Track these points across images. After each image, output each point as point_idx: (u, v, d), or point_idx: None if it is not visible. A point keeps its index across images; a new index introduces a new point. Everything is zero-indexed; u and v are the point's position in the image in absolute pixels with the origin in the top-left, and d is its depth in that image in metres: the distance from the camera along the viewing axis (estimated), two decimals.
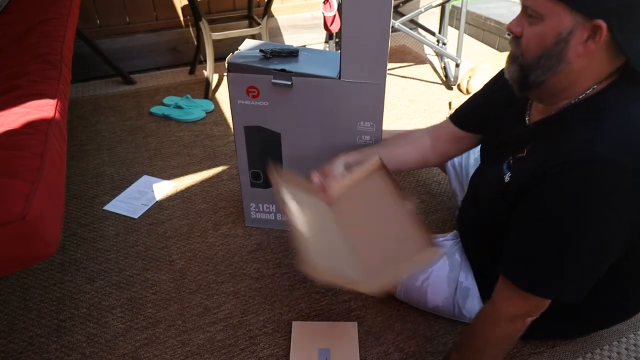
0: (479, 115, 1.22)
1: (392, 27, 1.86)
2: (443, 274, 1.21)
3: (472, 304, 1.18)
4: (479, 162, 1.39)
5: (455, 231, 1.29)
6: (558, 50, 0.86)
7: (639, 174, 0.82)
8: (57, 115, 1.18)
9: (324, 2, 2.21)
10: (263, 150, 1.42)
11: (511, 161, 1.00)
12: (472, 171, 1.43)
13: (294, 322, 1.25)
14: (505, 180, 1.00)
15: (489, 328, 1.01)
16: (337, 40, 2.57)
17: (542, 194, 0.88)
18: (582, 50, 0.84)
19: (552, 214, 0.87)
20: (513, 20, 0.92)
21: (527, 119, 1.04)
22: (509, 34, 0.97)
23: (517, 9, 0.94)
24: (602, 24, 0.80)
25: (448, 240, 1.27)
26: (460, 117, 1.26)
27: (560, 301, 0.93)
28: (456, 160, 1.50)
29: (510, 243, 0.96)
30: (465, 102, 1.28)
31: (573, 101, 0.91)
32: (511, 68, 0.95)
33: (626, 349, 1.21)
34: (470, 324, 1.07)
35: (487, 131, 1.20)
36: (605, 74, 0.88)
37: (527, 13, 0.89)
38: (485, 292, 1.16)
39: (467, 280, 1.18)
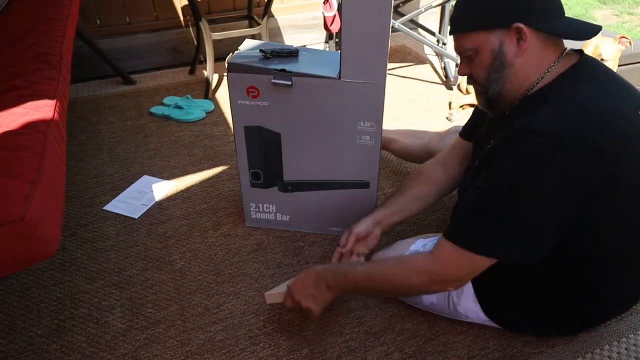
0: (479, 126, 1.26)
1: (392, 27, 1.86)
2: None
3: (467, 301, 1.18)
4: None
5: None
6: (499, 61, 1.01)
7: (594, 146, 0.90)
8: (56, 115, 1.18)
9: (324, 2, 2.21)
10: (263, 150, 1.42)
11: (481, 155, 1.09)
12: None
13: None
14: (475, 164, 1.10)
15: (417, 277, 1.06)
16: (337, 40, 2.57)
17: (495, 158, 0.98)
18: (517, 50, 0.99)
19: (492, 182, 0.98)
20: (460, 66, 1.09)
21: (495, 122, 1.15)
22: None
23: None
24: (520, 25, 0.96)
25: None
26: (466, 131, 1.36)
27: (504, 260, 0.99)
28: None
29: (459, 207, 1.07)
30: (470, 117, 1.38)
31: (527, 92, 1.02)
32: (479, 100, 1.11)
33: (626, 349, 1.21)
34: (396, 262, 1.12)
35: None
36: (549, 61, 1.00)
37: (465, 56, 1.06)
38: (480, 289, 1.16)
39: None
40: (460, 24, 1.04)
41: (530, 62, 1.00)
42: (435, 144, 1.59)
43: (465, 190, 1.11)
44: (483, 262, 1.00)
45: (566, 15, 1.02)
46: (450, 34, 1.07)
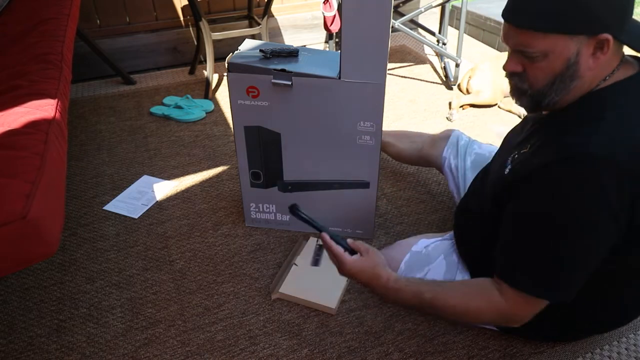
0: None
1: (392, 27, 1.86)
2: (439, 273, 1.21)
3: None
4: (476, 165, 1.40)
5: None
6: (570, 72, 0.88)
7: (632, 173, 0.83)
8: (58, 115, 1.18)
9: (324, 2, 2.21)
10: (263, 150, 1.42)
11: (515, 156, 1.02)
12: (468, 174, 1.43)
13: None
14: (505, 173, 1.02)
15: (488, 314, 1.01)
16: (337, 40, 2.57)
17: (534, 189, 0.90)
18: (592, 63, 0.87)
19: (543, 210, 0.89)
20: (509, 61, 0.94)
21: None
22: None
23: None
24: (607, 36, 0.83)
25: (446, 240, 1.27)
26: None
27: (554, 302, 0.94)
28: (452, 162, 1.50)
29: (504, 244, 0.98)
30: None
31: (578, 97, 0.92)
32: (522, 101, 0.98)
33: (626, 349, 1.21)
34: (465, 294, 1.02)
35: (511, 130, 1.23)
36: (611, 68, 0.90)
37: (525, 55, 0.90)
38: None
39: (463, 279, 1.18)
40: (537, 19, 0.85)
41: (598, 74, 0.89)
42: (428, 149, 1.58)
43: (492, 191, 1.06)
44: (539, 303, 0.96)
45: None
46: (512, 23, 0.88)
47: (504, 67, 0.96)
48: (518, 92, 0.97)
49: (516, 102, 1.00)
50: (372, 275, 1.05)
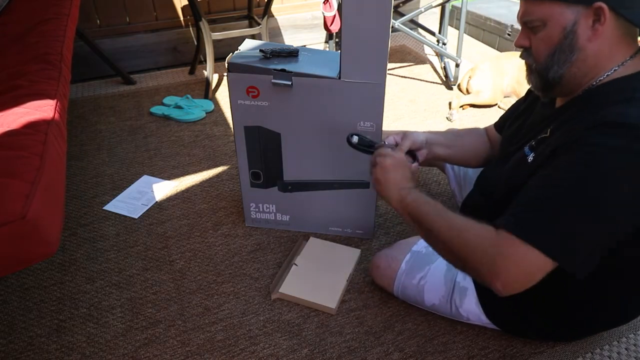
0: (514, 120, 1.22)
1: (392, 27, 1.86)
2: (440, 272, 1.21)
3: (470, 304, 1.18)
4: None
5: None
6: (568, 42, 0.89)
7: None
8: (57, 115, 1.18)
9: (324, 2, 2.21)
10: (263, 150, 1.42)
11: (534, 143, 0.99)
12: (471, 173, 1.43)
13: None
14: (529, 161, 0.98)
15: (477, 247, 0.90)
16: (337, 40, 2.57)
17: (568, 153, 0.85)
18: (591, 34, 0.88)
19: (576, 172, 0.84)
20: (518, 36, 0.97)
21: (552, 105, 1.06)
22: (519, 50, 1.01)
23: (517, 9, 0.97)
24: (602, 4, 0.85)
25: None
26: (499, 122, 1.33)
27: (564, 269, 0.85)
28: None
29: (524, 195, 0.90)
30: (508, 108, 1.32)
31: (595, 82, 0.92)
32: (531, 78, 1.00)
33: (626, 349, 1.21)
34: (470, 227, 0.93)
35: (508, 126, 1.22)
36: (624, 54, 0.90)
37: (529, 27, 0.93)
38: (483, 293, 1.16)
39: (465, 280, 1.18)
40: None
41: (602, 50, 0.89)
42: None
43: (506, 180, 1.03)
44: (544, 267, 0.85)
45: None
46: None
47: (516, 43, 0.99)
48: (529, 71, 1.00)
49: (529, 84, 1.02)
50: (403, 177, 1.08)
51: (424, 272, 1.22)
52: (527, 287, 0.87)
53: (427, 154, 1.24)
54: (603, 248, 0.86)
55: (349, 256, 1.45)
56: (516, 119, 1.20)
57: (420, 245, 1.26)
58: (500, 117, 1.34)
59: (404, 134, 1.22)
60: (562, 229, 0.84)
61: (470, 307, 1.18)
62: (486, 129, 1.39)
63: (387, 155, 1.11)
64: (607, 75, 0.91)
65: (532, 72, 0.99)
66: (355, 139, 1.22)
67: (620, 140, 0.81)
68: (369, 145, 1.21)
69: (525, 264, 0.85)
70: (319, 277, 1.37)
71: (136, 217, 1.63)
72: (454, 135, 1.38)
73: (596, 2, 0.85)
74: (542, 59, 0.94)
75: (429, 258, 1.24)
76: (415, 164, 1.20)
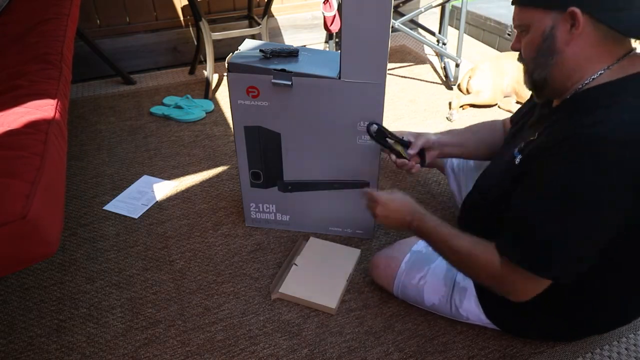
0: (525, 114, 1.22)
1: (392, 27, 1.86)
2: (440, 272, 1.21)
3: (469, 303, 1.18)
4: (479, 163, 1.40)
5: None
6: (547, 45, 0.94)
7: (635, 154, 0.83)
8: (58, 115, 1.18)
9: (324, 2, 2.21)
10: (263, 150, 1.42)
11: (522, 145, 1.03)
12: (471, 172, 1.43)
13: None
14: (516, 162, 1.02)
15: (485, 276, 1.02)
16: (337, 40, 2.57)
17: (547, 163, 0.91)
18: (569, 38, 0.91)
19: (555, 183, 0.90)
20: (514, 40, 1.03)
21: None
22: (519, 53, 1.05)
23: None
24: (575, 9, 0.88)
25: None
26: (514, 115, 1.31)
27: (556, 281, 0.94)
28: (455, 162, 1.51)
29: (511, 217, 0.97)
30: (524, 103, 1.30)
31: (581, 86, 0.94)
32: (525, 79, 1.04)
33: (626, 349, 1.21)
34: (474, 248, 1.03)
35: (514, 124, 1.23)
36: (608, 58, 0.92)
37: (519, 31, 1.00)
38: (483, 293, 1.16)
39: (465, 280, 1.18)
40: None
41: (582, 54, 0.92)
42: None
43: (498, 181, 1.07)
44: (546, 283, 0.95)
45: None
46: (512, 4, 1.00)
47: (511, 47, 1.04)
48: (524, 72, 1.04)
49: (524, 85, 1.06)
50: (409, 212, 1.16)
51: (424, 272, 1.22)
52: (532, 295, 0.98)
53: (438, 155, 1.32)
54: (594, 254, 0.93)
55: (349, 256, 1.45)
56: (522, 117, 1.21)
57: (420, 245, 1.26)
58: (517, 110, 1.32)
59: (418, 134, 1.29)
60: (555, 251, 0.91)
61: (470, 307, 1.18)
62: (504, 122, 1.38)
63: (381, 204, 1.19)
64: (593, 79, 0.93)
65: (524, 72, 1.04)
66: (374, 127, 1.27)
67: (596, 149, 0.85)
68: (385, 137, 1.27)
69: (530, 286, 0.97)
70: (319, 277, 1.37)
71: (136, 217, 1.63)
72: (470, 132, 1.39)
73: (569, 8, 0.88)
74: (528, 60, 1.00)
75: (428, 258, 1.24)
76: (417, 166, 1.28)
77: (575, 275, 0.93)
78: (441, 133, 1.36)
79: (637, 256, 0.99)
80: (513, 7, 1.00)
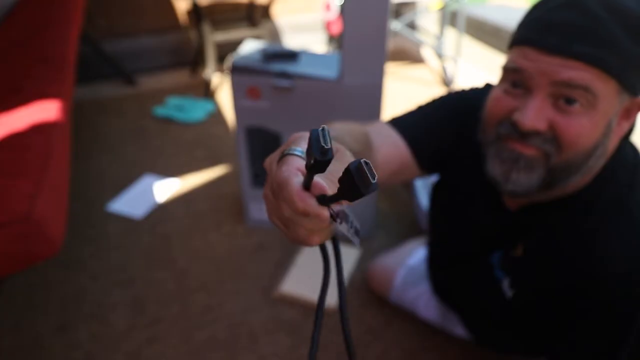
0: (432, 150, 0.88)
1: (391, 28, 1.87)
2: (433, 295, 1.20)
3: (462, 330, 1.17)
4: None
5: None
6: (605, 140, 0.65)
7: None
8: (61, 116, 1.20)
9: (325, 5, 2.22)
10: (264, 151, 1.43)
11: (505, 262, 0.81)
12: None
13: None
14: (508, 294, 0.82)
15: None
16: (337, 42, 2.58)
17: (602, 307, 0.69)
18: (618, 131, 0.67)
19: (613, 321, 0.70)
20: (528, 111, 0.63)
21: (504, 202, 0.80)
22: (522, 132, 0.65)
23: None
24: None
25: None
26: (412, 136, 0.89)
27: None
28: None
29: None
30: (410, 114, 0.95)
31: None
32: (533, 175, 0.67)
33: None
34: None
35: (443, 197, 0.94)
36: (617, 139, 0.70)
37: (561, 94, 0.62)
38: (472, 326, 1.10)
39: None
40: (593, 49, 0.60)
41: (612, 149, 0.69)
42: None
43: (475, 294, 0.88)
44: None
45: None
46: (550, 48, 0.61)
47: (525, 124, 0.63)
48: (529, 164, 0.66)
49: (508, 184, 0.68)
50: None
51: (419, 291, 1.23)
52: None
53: None
54: None
55: (349, 256, 1.46)
56: (444, 186, 0.93)
57: (415, 257, 1.27)
58: (411, 129, 0.90)
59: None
60: None
61: (464, 332, 1.18)
62: (368, 133, 0.80)
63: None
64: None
65: (541, 166, 0.66)
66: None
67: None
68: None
69: None
70: (319, 276, 1.38)
71: (139, 216, 1.65)
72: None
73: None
74: (574, 155, 0.64)
75: (422, 275, 1.24)
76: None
77: None
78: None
79: None
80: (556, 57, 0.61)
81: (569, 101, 0.62)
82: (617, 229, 0.67)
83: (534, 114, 0.62)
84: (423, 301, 1.22)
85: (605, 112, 0.62)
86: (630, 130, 0.71)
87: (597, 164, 0.67)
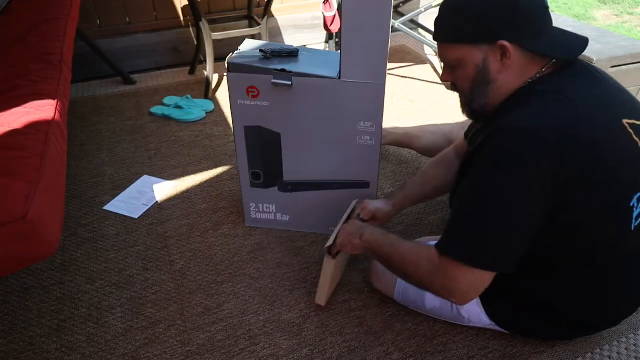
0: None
1: (392, 27, 1.86)
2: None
3: (470, 304, 1.17)
4: None
5: None
6: (482, 76, 1.00)
7: (558, 147, 0.88)
8: (57, 115, 1.18)
9: (324, 2, 2.21)
10: (263, 151, 1.42)
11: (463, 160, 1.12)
12: None
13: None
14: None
15: (426, 277, 1.02)
16: (337, 40, 2.57)
17: (474, 163, 0.98)
18: (501, 66, 0.98)
19: (473, 182, 0.97)
20: (442, 72, 1.08)
21: None
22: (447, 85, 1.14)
23: None
24: (505, 43, 0.95)
25: None
26: (468, 130, 1.32)
27: (472, 265, 0.95)
28: None
29: (452, 216, 1.02)
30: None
31: (509, 97, 1.01)
32: (464, 110, 1.10)
33: (626, 349, 1.21)
34: (413, 250, 1.07)
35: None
36: (534, 71, 0.99)
37: (449, 65, 1.04)
38: (483, 292, 1.16)
39: None
40: (445, 33, 1.03)
41: (514, 76, 0.99)
42: (457, 131, 1.53)
43: (452, 196, 1.12)
44: (482, 275, 0.96)
45: (556, 25, 1.00)
46: (433, 40, 1.06)
47: (441, 78, 1.10)
48: (461, 104, 1.10)
49: (463, 114, 1.11)
50: (357, 227, 1.21)
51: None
52: (481, 292, 0.98)
53: (394, 211, 1.37)
54: (515, 243, 0.95)
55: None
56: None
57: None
58: (470, 125, 1.32)
59: (364, 206, 1.34)
60: (488, 244, 0.94)
61: (471, 307, 1.18)
62: (455, 147, 1.40)
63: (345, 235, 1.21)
64: (520, 89, 1.00)
65: (462, 104, 1.09)
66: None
67: (503, 145, 0.91)
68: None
69: (469, 280, 0.96)
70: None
71: (136, 217, 1.63)
72: (426, 181, 1.39)
73: (499, 41, 0.95)
74: (465, 92, 1.05)
75: None
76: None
77: (512, 264, 0.95)
78: (398, 192, 1.38)
79: (615, 258, 1.01)
80: (437, 43, 1.04)
81: (451, 67, 1.04)
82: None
83: (443, 75, 1.08)
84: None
85: (469, 64, 1.00)
86: (537, 74, 0.98)
87: (489, 88, 1.00)
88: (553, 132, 0.89)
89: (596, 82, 0.99)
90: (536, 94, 0.96)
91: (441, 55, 1.06)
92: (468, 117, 1.12)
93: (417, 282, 1.07)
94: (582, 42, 1.00)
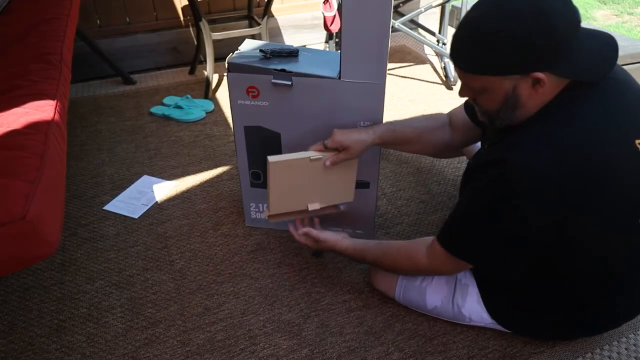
0: None
1: (392, 27, 1.86)
2: (441, 286, 1.22)
3: (472, 302, 1.18)
4: None
5: None
6: (511, 102, 0.95)
7: (549, 180, 0.90)
8: (57, 115, 1.18)
9: (324, 2, 2.21)
10: (263, 150, 1.42)
11: (477, 158, 1.11)
12: None
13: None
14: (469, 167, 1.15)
15: (415, 269, 1.19)
16: (337, 40, 2.57)
17: (477, 177, 1.01)
18: (533, 93, 0.93)
19: (471, 202, 1.03)
20: (462, 89, 1.02)
21: None
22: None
23: None
24: (540, 75, 0.90)
25: None
26: (471, 109, 1.27)
27: (479, 267, 1.12)
28: None
29: (452, 212, 1.11)
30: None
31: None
32: (482, 117, 1.06)
33: (626, 349, 1.21)
34: (400, 250, 1.20)
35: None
36: (558, 89, 0.95)
37: (471, 89, 0.99)
38: (485, 290, 1.16)
39: (466, 277, 1.19)
40: (468, 65, 0.94)
41: (542, 99, 0.95)
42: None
43: (461, 191, 1.15)
44: (467, 265, 1.10)
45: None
46: (453, 64, 0.98)
47: (460, 94, 1.04)
48: (480, 113, 1.05)
49: (480, 119, 1.08)
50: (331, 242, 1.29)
51: (426, 277, 1.23)
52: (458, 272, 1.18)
53: (366, 147, 1.27)
54: (506, 256, 1.04)
55: None
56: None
57: None
58: (470, 106, 1.27)
59: (349, 133, 1.25)
60: (468, 241, 1.06)
61: (473, 306, 1.18)
62: (450, 114, 1.34)
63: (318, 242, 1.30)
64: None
65: (482, 114, 1.04)
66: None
67: (496, 175, 0.94)
68: None
69: (452, 265, 1.10)
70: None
71: (136, 217, 1.63)
72: (412, 130, 1.31)
73: (533, 73, 0.89)
74: (491, 111, 1.00)
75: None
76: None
77: (487, 264, 1.09)
78: (382, 124, 1.30)
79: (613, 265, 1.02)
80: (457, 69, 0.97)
81: (472, 89, 0.99)
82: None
83: (462, 92, 1.03)
84: (432, 284, 1.23)
85: (497, 91, 0.94)
86: (557, 99, 0.95)
87: (516, 112, 0.97)
88: (555, 169, 0.89)
89: (614, 97, 0.96)
90: (548, 117, 0.94)
91: (464, 81, 0.99)
92: (487, 125, 1.10)
93: (409, 270, 1.22)
94: (610, 57, 0.95)
